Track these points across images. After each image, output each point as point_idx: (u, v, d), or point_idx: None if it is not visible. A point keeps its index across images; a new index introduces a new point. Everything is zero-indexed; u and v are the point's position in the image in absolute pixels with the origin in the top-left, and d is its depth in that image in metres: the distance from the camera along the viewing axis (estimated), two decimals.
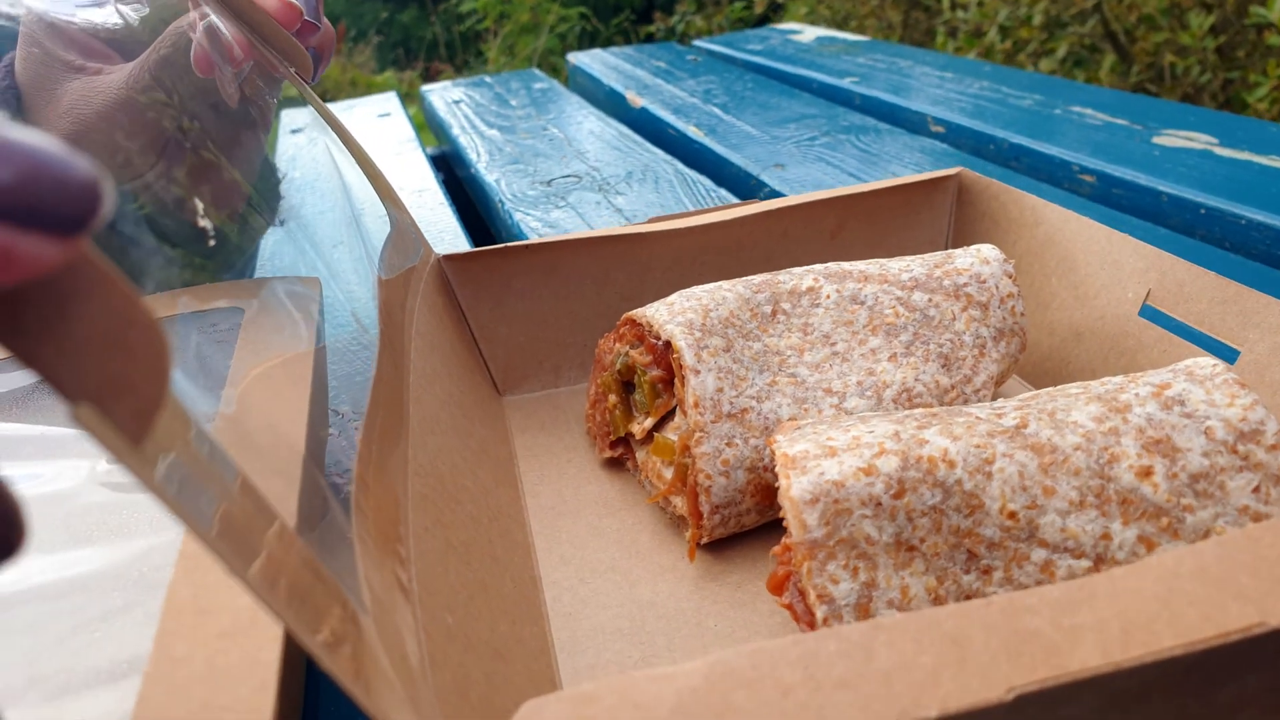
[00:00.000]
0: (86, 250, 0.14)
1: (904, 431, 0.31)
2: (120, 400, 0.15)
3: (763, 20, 3.15)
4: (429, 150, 1.11)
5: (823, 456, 0.31)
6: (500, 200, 0.83)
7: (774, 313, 0.42)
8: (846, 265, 0.44)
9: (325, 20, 0.47)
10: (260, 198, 0.50)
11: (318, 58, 0.46)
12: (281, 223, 0.53)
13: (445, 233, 0.77)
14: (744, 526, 0.38)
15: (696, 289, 0.42)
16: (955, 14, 2.34)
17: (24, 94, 0.44)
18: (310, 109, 0.45)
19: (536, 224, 0.76)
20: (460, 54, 3.85)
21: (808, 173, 0.81)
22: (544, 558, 0.39)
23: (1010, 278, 0.42)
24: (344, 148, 0.45)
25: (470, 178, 0.98)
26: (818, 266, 0.44)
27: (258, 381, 0.37)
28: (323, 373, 0.38)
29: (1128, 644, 0.21)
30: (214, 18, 0.42)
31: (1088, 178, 0.76)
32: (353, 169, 0.46)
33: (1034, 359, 0.47)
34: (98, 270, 0.14)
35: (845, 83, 1.10)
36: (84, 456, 0.35)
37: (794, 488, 0.30)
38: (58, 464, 0.34)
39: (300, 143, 1.11)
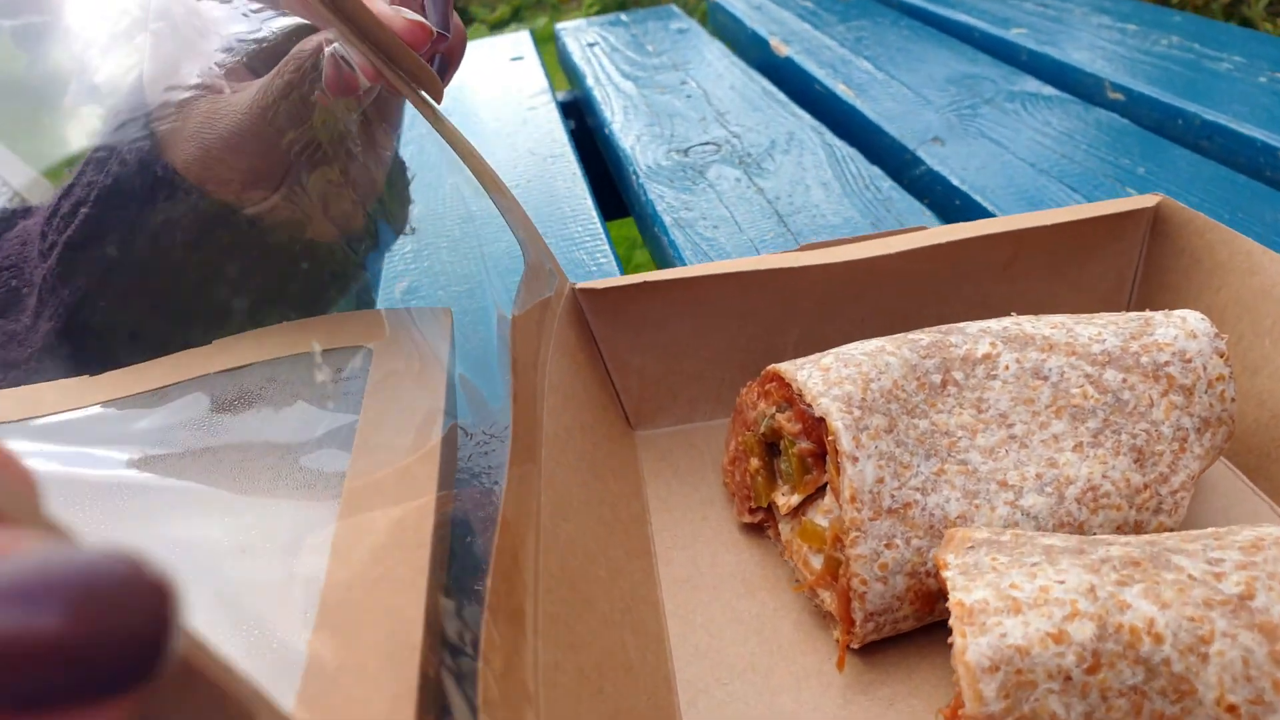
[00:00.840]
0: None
1: (1101, 587, 0.27)
2: None
3: None
4: (559, 96, 1.08)
5: (1005, 613, 0.27)
6: (634, 172, 0.79)
7: (944, 383, 0.37)
8: (1029, 327, 0.39)
9: (456, 18, 0.43)
10: (387, 209, 0.48)
11: (446, 64, 0.43)
12: (412, 230, 0.51)
13: (577, 211, 0.74)
14: (899, 631, 0.35)
15: (855, 350, 0.38)
16: None
17: None
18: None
19: (673, 202, 0.73)
20: None
21: (970, 152, 0.74)
22: (678, 648, 0.36)
23: (1222, 356, 0.36)
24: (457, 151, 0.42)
25: (603, 136, 0.94)
26: (994, 326, 0.39)
27: (364, 535, 0.34)
28: (451, 454, 0.35)
29: None
30: (339, 42, 0.39)
31: None
32: (471, 182, 0.43)
33: (1237, 432, 0.41)
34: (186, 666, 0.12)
35: (1012, 34, 1.00)
36: None
37: (970, 650, 0.27)
38: None
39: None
